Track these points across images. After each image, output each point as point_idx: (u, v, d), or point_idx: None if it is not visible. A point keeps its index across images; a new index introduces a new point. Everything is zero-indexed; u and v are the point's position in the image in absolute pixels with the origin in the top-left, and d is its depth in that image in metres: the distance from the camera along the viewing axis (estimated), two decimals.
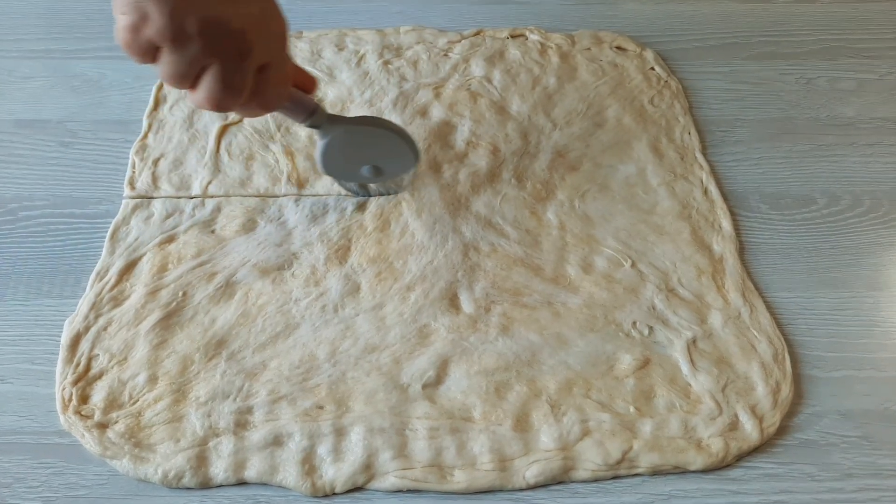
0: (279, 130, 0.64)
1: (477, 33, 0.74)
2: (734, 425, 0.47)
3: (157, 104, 0.66)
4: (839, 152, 0.65)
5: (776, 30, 0.76)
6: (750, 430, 0.47)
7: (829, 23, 0.77)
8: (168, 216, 0.58)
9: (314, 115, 0.52)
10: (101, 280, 0.54)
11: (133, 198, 0.59)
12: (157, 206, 0.59)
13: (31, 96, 0.68)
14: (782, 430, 0.48)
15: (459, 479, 0.45)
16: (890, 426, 0.48)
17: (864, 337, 0.53)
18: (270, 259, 0.55)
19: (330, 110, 0.66)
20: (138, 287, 0.53)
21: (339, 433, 0.47)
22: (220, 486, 0.45)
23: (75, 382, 0.48)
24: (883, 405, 0.49)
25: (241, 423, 0.47)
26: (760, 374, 0.50)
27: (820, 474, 0.46)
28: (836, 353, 0.52)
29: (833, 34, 0.76)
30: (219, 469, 0.45)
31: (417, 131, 0.64)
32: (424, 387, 0.49)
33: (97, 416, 0.47)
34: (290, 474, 0.45)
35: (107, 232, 0.57)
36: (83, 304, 0.52)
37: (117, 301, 0.53)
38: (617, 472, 0.46)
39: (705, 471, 0.46)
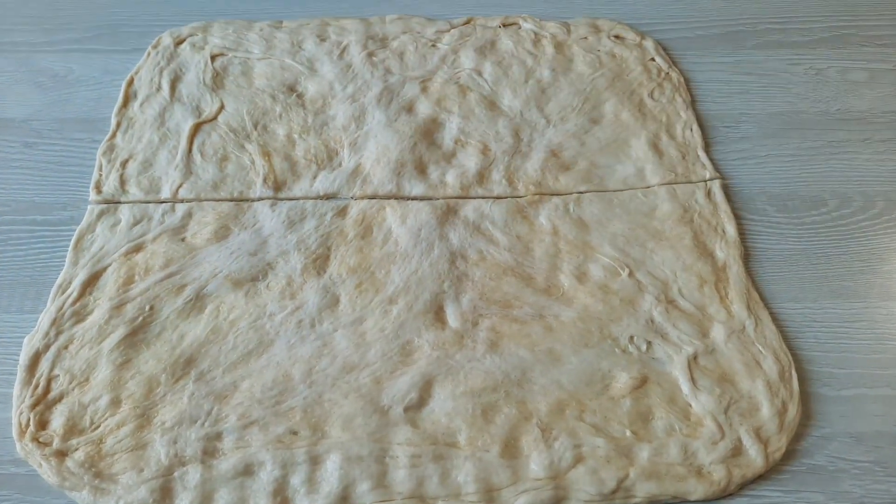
0: (256, 129, 0.61)
1: (467, 22, 0.69)
2: (737, 450, 0.44)
3: (127, 101, 0.63)
4: (851, 149, 0.61)
5: (783, 16, 0.72)
6: (754, 456, 0.44)
7: (840, 8, 0.73)
8: (136, 223, 0.54)
9: None
10: (63, 293, 0.51)
11: (99, 203, 0.56)
12: (125, 212, 0.55)
13: None
14: (789, 455, 0.45)
15: None
16: None
17: (878, 352, 0.49)
18: (244, 269, 0.52)
19: (310, 107, 0.63)
20: (102, 301, 0.50)
21: (314, 461, 0.44)
22: None
23: (33, 406, 0.45)
24: None
25: (208, 451, 0.44)
26: (766, 394, 0.47)
27: (830, 503, 0.43)
28: (847, 369, 0.49)
29: (844, 20, 0.72)
30: (184, 502, 0.42)
31: (403, 129, 0.60)
32: (406, 409, 0.46)
33: (56, 444, 0.44)
34: None
35: (70, 240, 0.53)
36: (44, 320, 0.49)
37: (80, 316, 0.50)
38: (612, 503, 0.43)
39: (706, 500, 0.43)
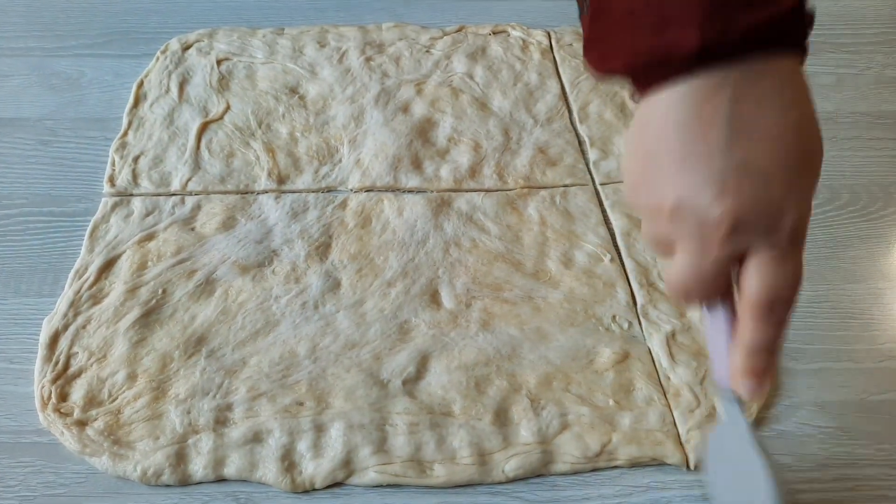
0: (260, 127, 0.64)
1: (459, 30, 0.74)
2: (712, 417, 0.48)
3: (137, 101, 0.66)
4: None
5: None
6: None
7: None
8: (148, 214, 0.58)
9: None
10: (80, 278, 0.54)
11: (113, 195, 0.59)
12: (137, 204, 0.58)
13: (9, 94, 0.68)
14: (760, 422, 0.48)
15: (439, 473, 0.45)
16: (866, 417, 0.49)
17: (841, 329, 0.53)
18: (251, 256, 0.55)
19: (311, 107, 0.66)
20: (117, 285, 0.53)
21: (319, 429, 0.47)
22: (200, 483, 0.45)
23: (54, 380, 0.48)
24: (859, 396, 0.50)
25: (220, 420, 0.47)
26: None
27: (797, 465, 0.46)
28: (813, 345, 0.52)
29: (813, 29, 0.76)
30: (198, 466, 0.45)
31: (399, 128, 0.64)
32: (404, 382, 0.49)
33: (76, 414, 0.47)
34: (269, 470, 0.45)
35: (86, 230, 0.57)
36: (62, 303, 0.52)
37: (96, 299, 0.53)
38: (596, 465, 0.46)
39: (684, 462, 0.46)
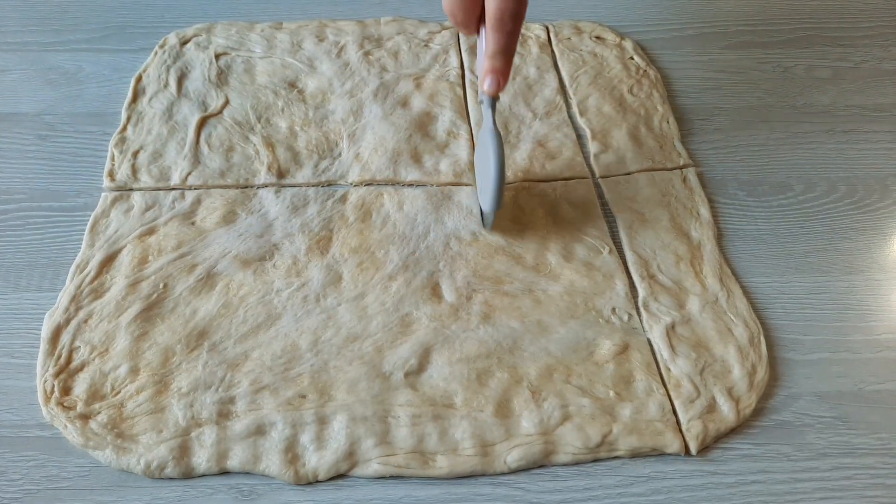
0: (259, 122, 0.64)
1: None
2: (712, 407, 0.48)
3: (136, 96, 0.66)
4: (815, 140, 0.66)
5: (753, 19, 0.77)
6: (727, 412, 0.48)
7: (806, 12, 0.78)
8: (148, 208, 0.58)
9: None
10: (81, 272, 0.54)
11: (113, 190, 0.59)
12: (137, 199, 0.58)
13: (7, 89, 0.67)
14: (758, 412, 0.49)
15: (442, 464, 0.45)
16: (864, 406, 0.49)
17: (839, 320, 0.54)
18: (251, 250, 0.55)
19: (310, 102, 0.66)
20: (119, 279, 0.53)
21: (322, 422, 0.47)
22: (203, 475, 0.45)
23: (57, 374, 0.48)
24: (857, 386, 0.50)
25: (223, 413, 0.47)
26: (737, 357, 0.51)
27: (795, 454, 0.47)
28: (811, 335, 0.53)
29: (809, 23, 0.77)
30: (201, 459, 0.45)
31: (398, 122, 0.64)
32: (406, 375, 0.49)
33: (79, 408, 0.47)
34: (273, 463, 0.45)
35: (86, 225, 0.57)
36: (63, 297, 0.52)
37: (98, 293, 0.53)
38: (597, 455, 0.46)
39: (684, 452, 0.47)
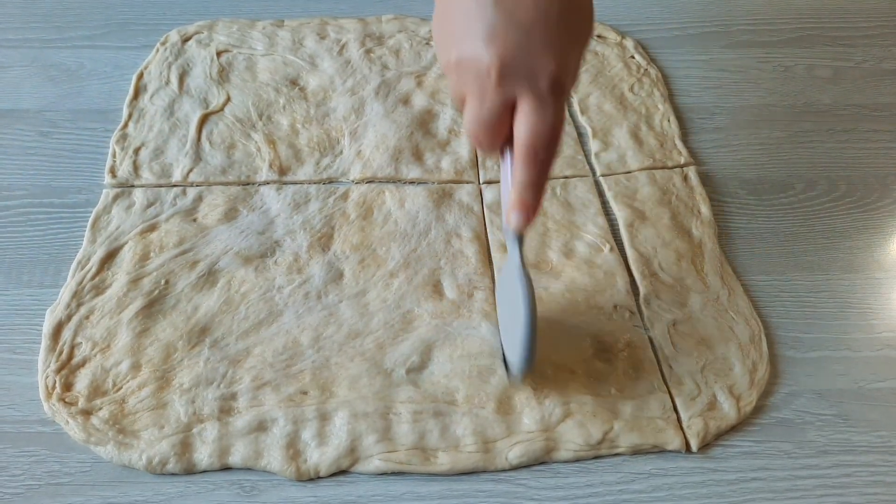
0: (261, 119, 0.64)
1: None
2: (713, 405, 0.48)
3: (137, 93, 0.66)
4: (816, 139, 0.66)
5: (754, 18, 0.77)
6: (728, 410, 0.48)
7: (806, 11, 0.78)
8: (149, 205, 0.58)
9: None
10: (82, 269, 0.54)
11: (114, 186, 0.59)
12: (139, 195, 0.58)
13: (8, 86, 0.67)
14: (759, 409, 0.49)
15: (443, 461, 0.45)
16: (864, 404, 0.49)
17: (839, 318, 0.54)
18: (253, 247, 0.55)
19: (312, 99, 0.66)
20: (120, 276, 0.53)
21: (324, 418, 0.47)
22: (205, 471, 0.45)
23: (58, 370, 0.48)
24: (857, 384, 0.50)
25: (225, 410, 0.47)
26: (738, 355, 0.51)
27: (796, 451, 0.47)
28: (811, 334, 0.53)
29: (810, 23, 0.77)
30: (203, 455, 0.45)
31: (399, 119, 0.64)
32: (408, 371, 0.49)
33: (81, 404, 0.47)
34: (274, 459, 0.45)
35: (87, 221, 0.56)
36: (65, 293, 0.52)
37: (99, 290, 0.53)
38: (598, 452, 0.46)
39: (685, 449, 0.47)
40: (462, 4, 0.40)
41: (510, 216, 0.42)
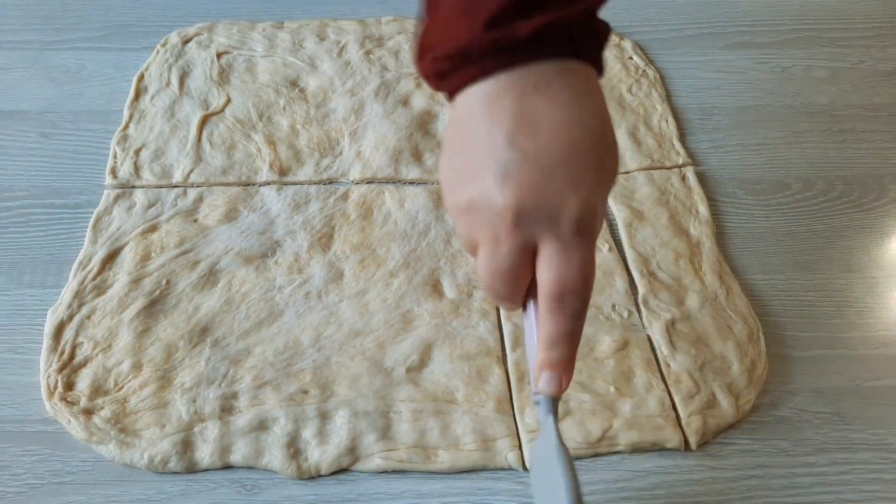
0: (261, 120, 0.64)
1: None
2: (711, 403, 0.49)
3: (138, 95, 0.66)
4: (813, 139, 0.66)
5: (752, 20, 0.78)
6: (726, 408, 0.48)
7: (803, 13, 0.79)
8: (150, 205, 0.58)
9: None
10: (83, 269, 0.54)
11: (115, 187, 0.59)
12: (140, 196, 0.59)
13: (9, 87, 0.68)
14: (757, 407, 0.49)
15: (443, 459, 0.46)
16: (861, 402, 0.49)
17: (837, 317, 0.54)
18: (254, 247, 0.56)
19: (312, 100, 0.67)
20: (121, 276, 0.53)
21: (324, 417, 0.47)
22: (206, 470, 0.45)
23: (60, 370, 0.48)
24: (854, 382, 0.51)
25: (226, 409, 0.47)
26: (736, 354, 0.51)
27: (794, 449, 0.47)
28: (809, 332, 0.53)
29: (807, 24, 0.78)
30: (204, 453, 0.45)
31: (399, 120, 0.64)
32: (408, 371, 0.49)
33: (83, 403, 0.47)
34: (275, 457, 0.45)
35: (88, 222, 0.57)
36: (66, 293, 0.52)
37: (100, 290, 0.53)
38: (597, 450, 0.47)
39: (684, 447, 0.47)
40: (473, 142, 0.35)
41: (539, 379, 0.36)
